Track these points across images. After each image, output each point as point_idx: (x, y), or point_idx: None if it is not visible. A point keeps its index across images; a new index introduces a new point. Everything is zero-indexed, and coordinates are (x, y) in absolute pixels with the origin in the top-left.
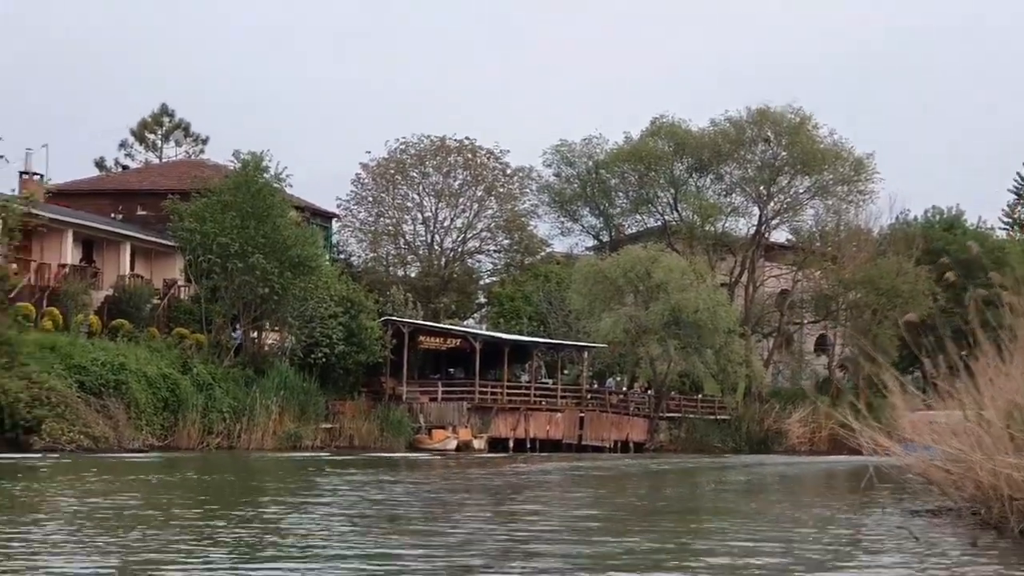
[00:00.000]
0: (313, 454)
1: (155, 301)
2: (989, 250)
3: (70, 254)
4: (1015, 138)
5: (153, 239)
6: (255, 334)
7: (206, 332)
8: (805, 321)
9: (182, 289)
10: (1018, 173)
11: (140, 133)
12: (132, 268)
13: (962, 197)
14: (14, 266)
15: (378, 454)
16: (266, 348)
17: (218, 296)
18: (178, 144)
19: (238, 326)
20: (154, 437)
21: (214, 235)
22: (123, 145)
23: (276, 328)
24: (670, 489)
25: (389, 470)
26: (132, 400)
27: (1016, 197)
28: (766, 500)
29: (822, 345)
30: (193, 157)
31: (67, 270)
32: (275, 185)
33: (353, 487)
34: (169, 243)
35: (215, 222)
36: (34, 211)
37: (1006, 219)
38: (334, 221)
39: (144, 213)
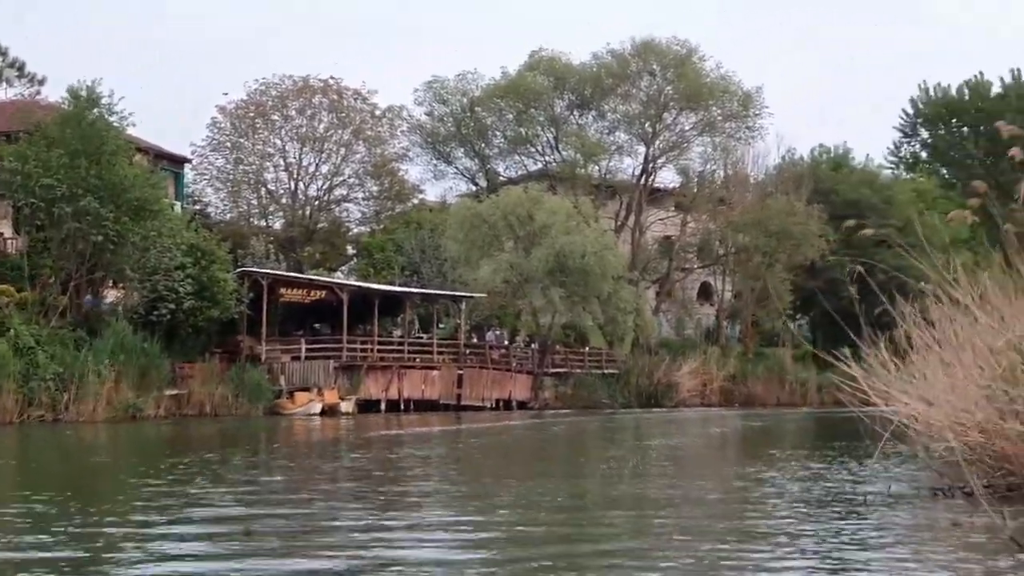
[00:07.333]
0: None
1: None
2: (878, 190)
3: None
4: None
5: None
6: (90, 290)
7: (30, 289)
8: (693, 267)
9: (8, 242)
10: (903, 110)
11: None
12: None
13: (847, 134)
14: None
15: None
16: (103, 306)
17: (47, 247)
18: (9, 84)
19: (90, 289)
20: None
21: (37, 176)
22: None
23: (120, 284)
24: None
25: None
26: None
27: (902, 135)
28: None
29: (705, 293)
30: (29, 98)
31: None
32: (110, 120)
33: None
34: None
35: (38, 162)
36: None
37: (892, 157)
38: (187, 167)
39: None
